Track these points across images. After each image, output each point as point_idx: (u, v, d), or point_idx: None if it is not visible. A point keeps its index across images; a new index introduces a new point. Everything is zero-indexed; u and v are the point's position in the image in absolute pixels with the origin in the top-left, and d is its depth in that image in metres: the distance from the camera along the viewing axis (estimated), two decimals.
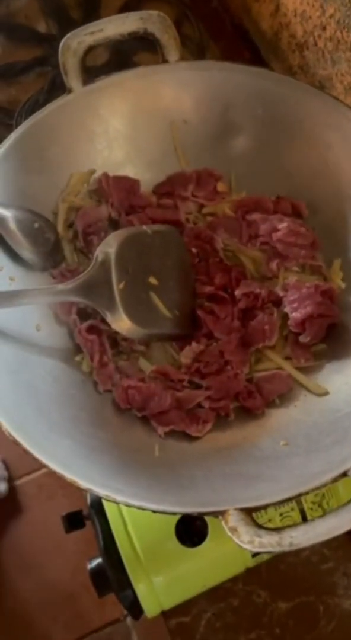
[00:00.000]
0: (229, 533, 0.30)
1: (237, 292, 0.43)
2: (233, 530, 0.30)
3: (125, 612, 0.54)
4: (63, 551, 0.57)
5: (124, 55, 0.63)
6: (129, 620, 0.54)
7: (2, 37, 0.66)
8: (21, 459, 0.68)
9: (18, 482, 0.63)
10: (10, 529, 0.60)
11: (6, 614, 0.56)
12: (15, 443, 0.34)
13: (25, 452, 0.34)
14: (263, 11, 0.60)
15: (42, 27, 0.67)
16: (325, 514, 0.31)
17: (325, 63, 0.53)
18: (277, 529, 0.30)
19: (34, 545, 0.58)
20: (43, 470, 0.63)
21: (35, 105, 0.61)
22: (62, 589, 0.56)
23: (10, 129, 0.60)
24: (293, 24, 0.56)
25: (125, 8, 0.66)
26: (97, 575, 0.43)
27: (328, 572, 0.49)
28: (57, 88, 0.61)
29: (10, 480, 0.62)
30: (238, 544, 0.30)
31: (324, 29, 0.52)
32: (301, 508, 0.42)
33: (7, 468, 0.62)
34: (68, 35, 0.43)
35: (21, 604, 0.56)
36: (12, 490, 0.62)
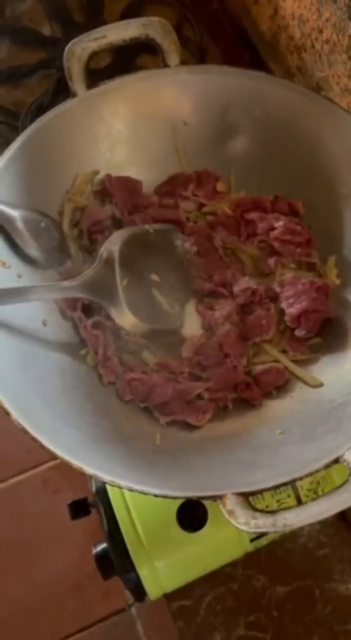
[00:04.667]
0: (227, 515, 0.32)
1: (236, 289, 0.44)
2: (231, 513, 0.32)
3: (130, 601, 0.56)
4: (68, 543, 0.58)
5: (127, 57, 0.64)
6: (133, 609, 0.55)
7: (8, 40, 0.67)
8: (27, 453, 0.69)
9: (24, 476, 0.64)
10: (16, 522, 0.61)
11: (13, 605, 0.58)
12: (24, 432, 0.35)
13: (34, 440, 0.35)
14: (262, 13, 0.62)
15: (46, 30, 0.68)
16: (317, 498, 0.32)
17: (322, 65, 0.54)
18: (272, 512, 0.32)
19: (39, 537, 0.59)
20: (48, 464, 0.65)
21: (40, 107, 0.62)
22: (67, 580, 0.57)
23: (16, 130, 0.62)
24: (291, 27, 0.57)
25: (127, 10, 0.68)
26: (102, 560, 0.44)
27: (324, 558, 0.51)
28: (61, 90, 0.62)
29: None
30: (235, 526, 0.32)
31: (321, 32, 0.53)
32: (297, 495, 0.44)
33: None
34: (72, 41, 0.44)
35: (28, 595, 0.57)
36: (17, 483, 0.63)
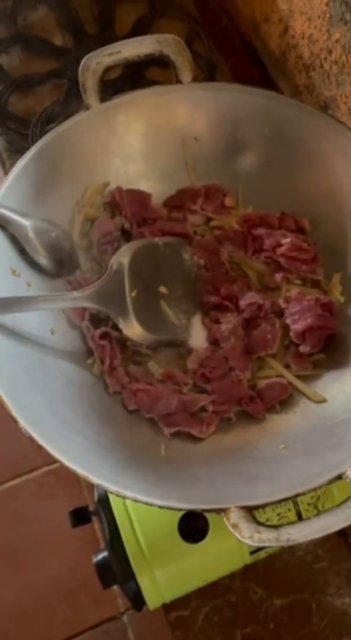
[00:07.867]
0: (230, 529, 0.32)
1: (242, 303, 0.45)
2: (235, 526, 0.32)
3: (121, 609, 0.56)
4: (62, 549, 0.58)
5: (137, 70, 0.65)
6: (125, 617, 0.55)
7: (20, 49, 0.68)
8: (23, 458, 0.69)
9: (20, 480, 0.64)
10: (11, 527, 0.61)
11: (5, 609, 0.58)
12: (31, 439, 0.35)
13: (40, 448, 0.35)
14: (272, 31, 0.62)
15: (58, 40, 0.69)
16: (319, 514, 0.33)
17: (330, 84, 0.55)
18: (275, 526, 0.32)
19: (34, 543, 0.59)
20: (44, 469, 0.65)
21: (50, 116, 0.63)
22: (60, 586, 0.57)
23: (26, 138, 0.62)
24: (300, 46, 0.58)
25: (138, 24, 0.68)
26: (102, 568, 0.44)
27: (321, 572, 0.51)
28: (72, 100, 0.63)
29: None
30: (239, 539, 0.32)
31: (330, 52, 0.54)
32: (297, 510, 0.44)
33: None
34: (88, 55, 0.45)
35: (20, 600, 0.57)
36: (13, 488, 0.63)
